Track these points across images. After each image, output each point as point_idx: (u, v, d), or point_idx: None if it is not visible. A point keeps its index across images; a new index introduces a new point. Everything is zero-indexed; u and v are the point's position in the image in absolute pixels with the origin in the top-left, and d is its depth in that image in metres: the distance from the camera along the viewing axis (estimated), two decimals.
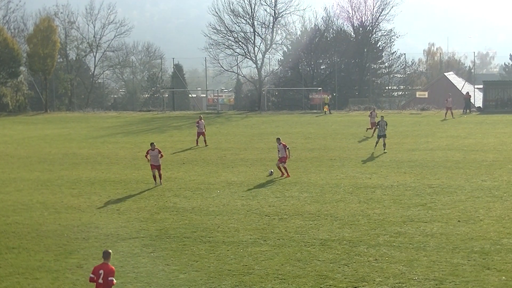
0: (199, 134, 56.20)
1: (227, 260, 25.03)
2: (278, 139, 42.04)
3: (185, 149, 54.73)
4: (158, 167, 39.53)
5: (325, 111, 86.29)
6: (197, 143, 56.27)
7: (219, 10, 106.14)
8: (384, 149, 48.99)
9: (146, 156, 40.01)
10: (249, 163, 46.40)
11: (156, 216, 31.97)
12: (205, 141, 56.25)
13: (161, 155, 39.81)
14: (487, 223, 29.02)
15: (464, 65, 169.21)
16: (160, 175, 39.67)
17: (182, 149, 54.78)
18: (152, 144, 39.80)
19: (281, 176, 40.68)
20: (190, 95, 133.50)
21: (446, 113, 75.27)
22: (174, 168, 45.18)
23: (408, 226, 28.95)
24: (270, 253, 25.71)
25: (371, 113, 62.89)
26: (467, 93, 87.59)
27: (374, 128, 58.60)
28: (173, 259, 25.22)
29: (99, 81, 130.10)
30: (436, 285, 21.89)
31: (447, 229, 28.15)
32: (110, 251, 19.52)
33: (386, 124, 50.04)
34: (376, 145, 50.07)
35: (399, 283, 22.14)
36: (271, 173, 41.42)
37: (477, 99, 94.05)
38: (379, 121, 50.39)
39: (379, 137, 49.92)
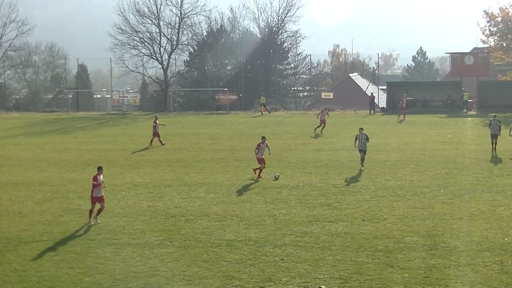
0: (154, 134, 55.54)
1: (133, 262, 24.83)
2: (264, 138, 41.55)
3: (90, 149, 54.02)
4: (101, 200, 30.99)
5: (262, 112, 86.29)
6: (151, 143, 55.64)
7: (124, 10, 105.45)
8: (362, 165, 43.05)
9: (96, 184, 30.55)
10: (155, 164, 46.13)
11: (60, 218, 31.50)
12: (155, 141, 55.58)
13: (104, 184, 31.50)
14: (391, 222, 29.52)
15: (369, 66, 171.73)
16: (101, 210, 31.09)
17: (87, 150, 54.05)
18: (100, 168, 31.59)
19: (258, 178, 40.14)
20: (94, 96, 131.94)
21: (399, 115, 75.16)
22: (79, 170, 44.59)
23: (314, 225, 29.22)
24: (176, 254, 25.62)
25: (322, 111, 64.44)
26: (372, 94, 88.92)
27: (322, 126, 62.28)
28: (78, 262, 24.88)
29: (0, 81, 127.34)
30: (341, 283, 22.15)
31: (352, 228, 28.52)
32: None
33: (367, 138, 43.07)
34: (362, 162, 43.30)
35: (305, 282, 22.32)
36: (277, 177, 39.84)
37: (381, 99, 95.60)
38: (357, 135, 43.51)
39: (360, 151, 43.26)
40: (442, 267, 23.42)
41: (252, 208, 32.61)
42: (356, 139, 43.17)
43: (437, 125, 66.02)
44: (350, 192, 35.61)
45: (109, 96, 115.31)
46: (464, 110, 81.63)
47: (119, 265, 24.53)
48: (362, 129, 43.66)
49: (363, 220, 29.97)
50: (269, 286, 22.16)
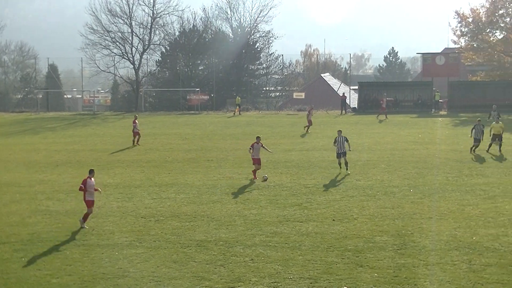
0: (135, 134, 55.19)
1: (102, 263, 24.71)
2: (258, 138, 41.08)
3: (60, 150, 53.72)
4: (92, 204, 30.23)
5: (234, 112, 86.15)
6: (133, 143, 55.20)
7: (96, 9, 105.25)
8: (347, 169, 40.89)
9: (83, 189, 29.59)
10: (125, 165, 45.97)
11: (28, 220, 31.27)
12: (138, 140, 55.25)
13: (98, 189, 30.74)
14: (361, 221, 29.60)
15: (340, 67, 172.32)
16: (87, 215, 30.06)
17: (56, 150, 53.74)
18: (92, 171, 30.53)
19: (254, 179, 39.59)
20: (65, 96, 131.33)
21: (379, 115, 75.06)
22: (48, 170, 44.35)
23: (284, 226, 29.23)
24: (146, 255, 25.53)
25: (309, 111, 64.64)
26: (343, 94, 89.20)
27: (309, 126, 62.39)
28: (45, 264, 24.70)
29: None
30: (311, 283, 22.17)
31: (322, 228, 28.57)
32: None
33: (346, 140, 41.24)
34: (340, 167, 41.34)
35: (275, 282, 22.32)
36: (265, 179, 38.84)
37: (353, 99, 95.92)
38: (336, 137, 41.49)
39: (338, 156, 41.19)
40: (411, 266, 23.52)
41: (222, 209, 32.58)
42: (335, 142, 41.24)
43: (408, 125, 66.33)
44: (320, 192, 35.68)
45: (80, 96, 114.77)
46: (434, 110, 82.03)
47: (87, 266, 24.39)
48: (340, 131, 42.00)
49: (333, 220, 30.03)
50: (239, 286, 22.13)
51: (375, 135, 58.46)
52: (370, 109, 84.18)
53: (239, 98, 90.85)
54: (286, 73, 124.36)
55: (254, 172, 39.93)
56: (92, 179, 29.74)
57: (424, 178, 38.78)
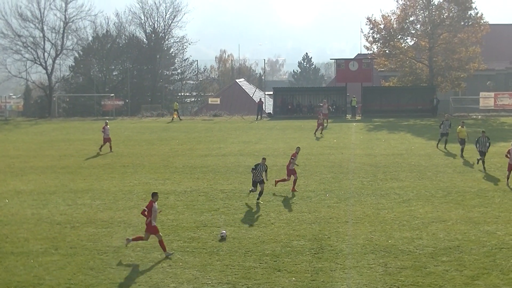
0: (105, 140, 53.75)
1: (16, 271, 24.30)
2: (298, 148, 39.11)
3: None
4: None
5: (174, 117, 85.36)
6: (100, 149, 53.57)
7: (6, 13, 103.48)
8: (294, 190, 37.10)
9: (147, 213, 26.18)
10: (39, 171, 45.27)
11: None
12: (110, 147, 53.65)
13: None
14: (278, 226, 29.76)
15: (255, 72, 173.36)
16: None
17: None
18: (155, 194, 26.67)
19: (293, 189, 37.49)
20: None
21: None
22: None
23: (202, 231, 29.22)
24: (62, 262, 25.21)
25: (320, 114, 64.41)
26: (260, 99, 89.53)
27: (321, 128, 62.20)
28: None
29: None
30: None
31: (240, 233, 28.63)
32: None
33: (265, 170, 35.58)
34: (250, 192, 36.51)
35: (193, 287, 22.33)
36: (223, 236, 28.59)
37: (268, 105, 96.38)
38: (257, 164, 35.61)
39: (254, 183, 35.54)
40: (329, 270, 23.76)
41: (139, 215, 32.23)
42: (254, 168, 35.17)
43: (322, 130, 66.87)
44: (237, 197, 35.74)
45: None
46: (350, 115, 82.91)
47: (1, 274, 23.96)
48: (264, 159, 35.99)
49: (251, 225, 30.13)
50: None
51: (291, 140, 58.79)
52: (285, 114, 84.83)
53: (177, 103, 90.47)
54: (201, 79, 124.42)
55: (283, 180, 38.20)
56: (155, 203, 26.11)
57: (340, 183, 39.19)
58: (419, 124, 71.35)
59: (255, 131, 67.64)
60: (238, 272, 23.77)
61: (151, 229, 25.85)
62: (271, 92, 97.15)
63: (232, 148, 54.26)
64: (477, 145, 42.89)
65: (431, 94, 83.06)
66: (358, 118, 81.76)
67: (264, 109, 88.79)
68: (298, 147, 39.38)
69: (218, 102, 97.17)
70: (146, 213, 25.93)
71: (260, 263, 24.63)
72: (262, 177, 34.96)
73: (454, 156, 47.91)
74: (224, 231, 26.62)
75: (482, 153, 42.71)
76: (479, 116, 79.09)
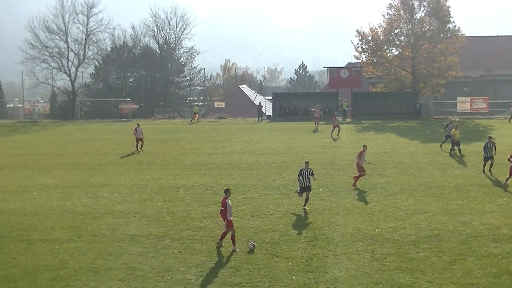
0: (137, 140, 53.55)
1: (44, 256, 24.39)
2: (365, 146, 37.92)
3: (3, 154, 52.63)
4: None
5: (192, 120, 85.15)
6: (136, 149, 53.20)
7: (34, 27, 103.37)
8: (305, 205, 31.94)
9: (224, 210, 25.16)
10: (63, 167, 45.31)
11: None
12: (142, 146, 53.31)
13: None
14: (277, 217, 29.81)
15: (256, 79, 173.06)
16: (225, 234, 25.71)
17: (0, 155, 52.80)
18: (228, 190, 25.74)
19: (354, 184, 36.71)
20: (7, 105, 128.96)
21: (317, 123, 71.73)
22: None
23: (208, 221, 29.27)
24: (84, 248, 25.29)
25: (334, 117, 62.68)
26: (260, 103, 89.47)
27: (337, 129, 60.96)
28: None
29: None
30: (233, 272, 22.30)
31: (242, 223, 28.68)
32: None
33: (312, 173, 31.80)
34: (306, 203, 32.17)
35: (201, 271, 22.39)
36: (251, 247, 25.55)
37: (267, 108, 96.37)
38: (302, 169, 31.71)
39: (302, 190, 31.73)
40: (322, 256, 23.82)
41: (152, 206, 32.44)
42: (300, 174, 31.57)
43: (316, 131, 66.85)
44: (240, 191, 35.76)
45: (21, 105, 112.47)
46: (341, 118, 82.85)
47: (31, 259, 24.05)
48: (307, 163, 32.14)
49: (252, 215, 30.18)
50: (169, 275, 22.11)
51: (288, 140, 58.78)
52: (283, 117, 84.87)
53: (196, 107, 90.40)
54: (207, 85, 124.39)
55: (357, 178, 36.91)
56: (228, 199, 25.30)
57: (332, 178, 39.20)
58: (403, 126, 71.30)
59: (256, 132, 67.60)
60: (240, 257, 23.83)
61: (229, 224, 25.03)
62: (271, 97, 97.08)
63: (235, 147, 54.26)
64: (485, 151, 40.10)
65: (414, 99, 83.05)
66: (348, 120, 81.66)
67: (264, 112, 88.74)
68: (365, 145, 38.40)
69: (223, 106, 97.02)
70: (225, 212, 24.95)
71: (260, 250, 24.69)
72: (310, 183, 31.39)
73: (436, 154, 47.94)
74: (253, 243, 25.07)
75: (486, 159, 40.11)
76: (457, 119, 78.93)
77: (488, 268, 22.32)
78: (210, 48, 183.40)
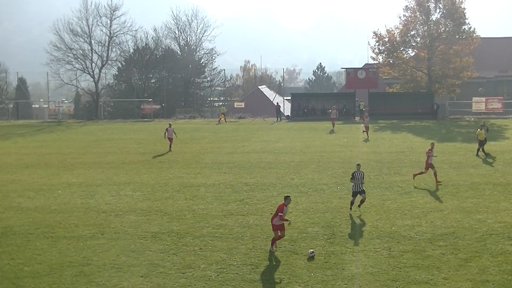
0: (169, 139, 53.14)
1: (68, 253, 24.46)
2: (433, 144, 37.81)
3: (29, 153, 52.89)
4: (281, 228, 24.55)
5: (220, 120, 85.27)
6: (170, 148, 52.72)
7: (59, 29, 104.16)
8: (358, 207, 30.59)
9: (282, 217, 24.31)
10: (87, 166, 45.45)
11: (1, 215, 30.76)
12: (170, 146, 52.91)
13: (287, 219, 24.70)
14: (295, 215, 29.70)
15: (275, 80, 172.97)
16: (280, 237, 24.77)
17: (26, 154, 52.95)
18: (287, 198, 24.71)
19: (437, 181, 36.58)
20: (33, 106, 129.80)
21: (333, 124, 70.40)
22: (19, 171, 43.65)
23: (228, 219, 29.23)
24: (107, 245, 25.33)
25: (364, 118, 62.25)
26: (277, 103, 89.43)
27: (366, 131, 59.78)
28: (18, 254, 24.39)
29: None
30: (253, 269, 22.25)
31: (262, 221, 28.61)
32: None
33: (363, 177, 30.37)
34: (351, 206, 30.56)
35: (221, 268, 22.35)
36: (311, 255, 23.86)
37: (286, 108, 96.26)
38: (354, 172, 30.23)
39: (355, 193, 30.08)
40: (339, 253, 23.72)
41: (174, 204, 32.45)
42: (352, 177, 30.18)
43: (333, 131, 66.65)
44: (259, 189, 35.71)
45: (46, 106, 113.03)
46: (359, 118, 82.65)
47: (55, 255, 24.12)
48: (359, 165, 31.03)
49: (271, 213, 30.00)
50: (190, 272, 22.10)
51: (306, 139, 58.67)
52: (301, 117, 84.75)
53: (224, 107, 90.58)
54: (227, 85, 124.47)
55: (418, 174, 37.37)
56: (287, 206, 24.52)
57: (349, 177, 38.97)
58: (419, 126, 71.01)
59: (275, 131, 67.55)
60: (260, 255, 23.79)
61: (280, 227, 24.35)
62: (289, 97, 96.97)
63: (255, 146, 54.21)
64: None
65: (430, 99, 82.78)
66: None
67: (283, 112, 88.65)
68: (432, 143, 38.15)
69: (243, 106, 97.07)
70: (284, 217, 24.19)
71: (279, 247, 24.61)
72: (362, 187, 29.87)
73: (451, 153, 47.66)
74: (313, 250, 23.83)
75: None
76: (472, 118, 78.55)
77: (503, 265, 22.15)
78: (230, 50, 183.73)
